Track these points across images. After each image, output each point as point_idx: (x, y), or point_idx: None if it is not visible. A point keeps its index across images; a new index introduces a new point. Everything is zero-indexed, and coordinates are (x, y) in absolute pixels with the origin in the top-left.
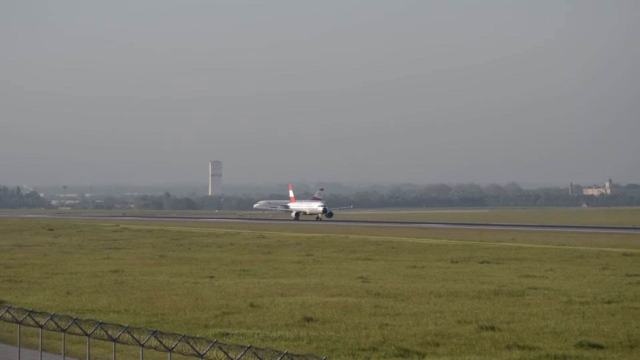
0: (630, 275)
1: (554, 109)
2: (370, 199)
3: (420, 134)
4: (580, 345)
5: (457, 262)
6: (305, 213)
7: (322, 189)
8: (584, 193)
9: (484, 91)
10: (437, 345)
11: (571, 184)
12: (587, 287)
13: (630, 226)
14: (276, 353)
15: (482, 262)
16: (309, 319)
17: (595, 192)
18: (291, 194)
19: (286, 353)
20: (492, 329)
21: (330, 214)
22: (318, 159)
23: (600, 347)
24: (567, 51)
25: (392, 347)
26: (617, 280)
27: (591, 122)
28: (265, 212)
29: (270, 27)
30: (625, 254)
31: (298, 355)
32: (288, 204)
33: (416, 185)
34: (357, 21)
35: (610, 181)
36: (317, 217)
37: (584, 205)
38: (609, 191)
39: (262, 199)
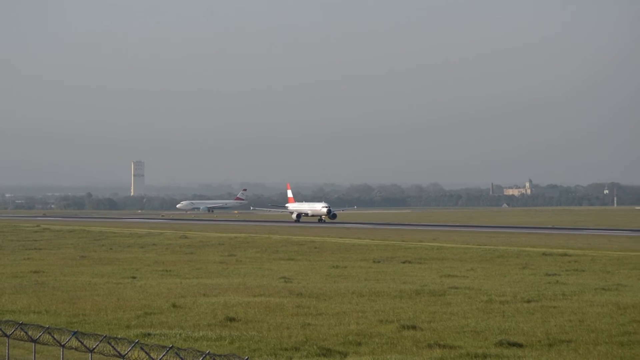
0: (549, 275)
1: (475, 112)
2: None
3: (343, 135)
4: (500, 343)
5: (379, 262)
6: (307, 215)
7: (245, 190)
8: (505, 193)
9: (408, 95)
10: (359, 344)
11: (492, 184)
12: (507, 287)
13: (549, 226)
14: (198, 353)
15: (404, 262)
16: (231, 319)
17: (515, 192)
18: (289, 194)
19: (208, 353)
20: (414, 328)
21: (334, 216)
22: (242, 159)
23: (520, 345)
24: (484, 58)
25: (314, 347)
26: (537, 279)
27: (511, 124)
28: (188, 212)
29: (185, 25)
30: (544, 254)
31: (220, 355)
32: (287, 205)
33: (339, 186)
34: (268, 22)
35: (530, 181)
36: (320, 219)
37: (505, 205)
38: (529, 191)
39: (185, 200)
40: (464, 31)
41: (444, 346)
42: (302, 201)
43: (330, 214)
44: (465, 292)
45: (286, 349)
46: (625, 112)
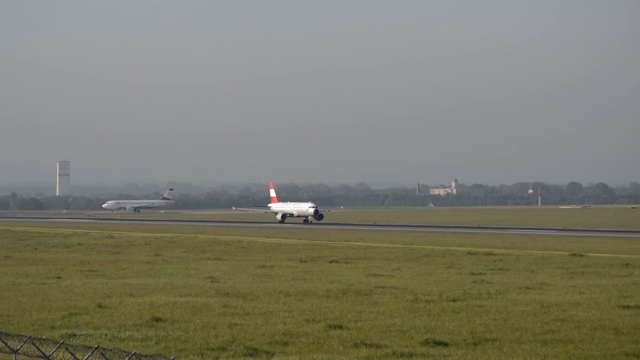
0: (474, 274)
1: (402, 114)
2: (220, 199)
3: (271, 135)
4: (426, 342)
5: (306, 261)
6: (292, 215)
7: (171, 189)
8: (431, 193)
9: (334, 96)
10: (286, 344)
11: (418, 184)
12: (433, 286)
13: (474, 225)
14: (124, 353)
15: (330, 262)
16: (157, 319)
17: (441, 192)
18: (272, 193)
19: (134, 353)
20: (340, 327)
21: (321, 216)
22: (168, 159)
23: (445, 344)
24: (414, 61)
25: (241, 347)
26: (462, 278)
27: (436, 125)
28: (114, 212)
29: (108, 26)
30: (469, 253)
31: (146, 356)
32: (269, 205)
33: (266, 185)
34: (188, 19)
35: (456, 181)
36: (306, 220)
37: (431, 204)
38: (454, 191)
39: (112, 199)
40: (387, 33)
41: (371, 345)
42: (279, 201)
43: (317, 215)
44: (391, 291)
45: (213, 349)
46: (547, 112)
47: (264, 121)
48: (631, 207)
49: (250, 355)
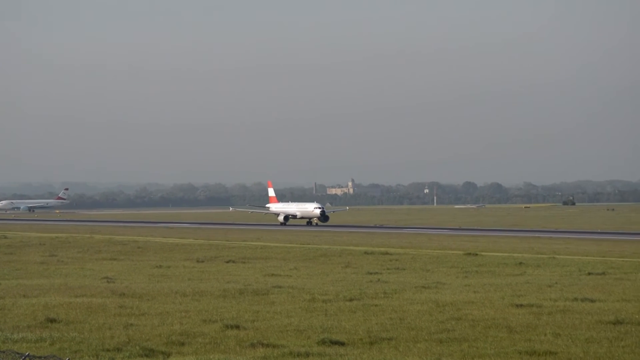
0: (370, 273)
1: (300, 114)
2: (116, 198)
3: (167, 133)
4: (323, 342)
5: (203, 261)
6: (295, 217)
7: (67, 189)
8: (328, 192)
9: (234, 94)
10: (182, 344)
11: (315, 183)
12: (330, 285)
13: (371, 225)
14: (17, 355)
15: (228, 262)
16: (52, 320)
17: (338, 191)
18: (271, 192)
19: (28, 355)
20: (237, 327)
21: (327, 218)
22: (62, 158)
23: (342, 343)
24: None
25: (137, 347)
26: (359, 278)
27: (334, 125)
28: (8, 212)
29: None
30: (366, 252)
31: (40, 357)
32: (268, 205)
33: (163, 185)
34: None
35: (352, 181)
36: (309, 222)
37: (328, 204)
38: (351, 190)
39: (5, 199)
40: (306, 33)
41: (267, 345)
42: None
43: (323, 216)
44: (288, 291)
45: (108, 350)
46: (444, 115)
47: (158, 120)
48: (524, 207)
49: (146, 355)
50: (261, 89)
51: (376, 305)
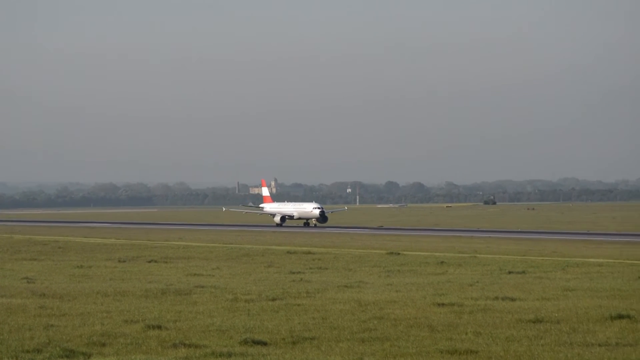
0: (293, 273)
1: (223, 112)
2: (36, 198)
3: (87, 130)
4: (245, 342)
5: (124, 261)
6: (292, 217)
7: None
8: (251, 192)
9: (154, 90)
10: (104, 345)
11: (238, 183)
12: (252, 285)
13: (293, 225)
14: None
15: (150, 261)
16: None
17: (261, 191)
18: (265, 192)
19: None
20: (159, 327)
21: (326, 219)
22: None
23: (264, 343)
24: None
25: (57, 348)
26: (281, 277)
27: (257, 124)
28: None
29: None
30: (289, 252)
31: None
32: (262, 205)
33: (84, 185)
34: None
35: (275, 180)
36: (306, 223)
37: (251, 204)
38: (274, 190)
39: None
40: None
41: (189, 345)
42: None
43: (322, 217)
44: (211, 290)
45: (28, 351)
46: (364, 114)
47: (77, 118)
48: (446, 206)
49: (67, 356)
50: (178, 87)
51: (299, 305)
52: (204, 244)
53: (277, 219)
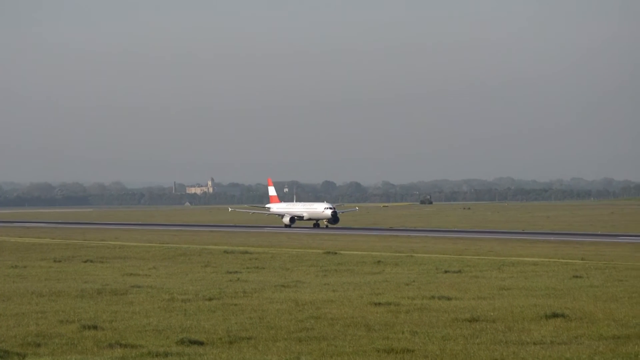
0: (230, 272)
1: (157, 109)
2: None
3: (19, 130)
4: (182, 342)
5: (60, 261)
6: (302, 218)
7: None
8: (188, 192)
9: (83, 86)
10: (39, 345)
11: (175, 182)
12: (189, 285)
13: (231, 224)
14: None
15: (85, 261)
16: None
17: (198, 190)
18: (272, 191)
19: None
20: (95, 327)
21: (337, 220)
22: None
23: (201, 343)
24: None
25: None
26: (218, 277)
27: (194, 123)
28: None
29: None
30: (226, 252)
31: None
32: (268, 205)
33: (19, 184)
34: None
35: (212, 180)
36: (316, 224)
37: (187, 203)
38: (211, 190)
39: None
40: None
41: (125, 345)
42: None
43: (334, 218)
44: (147, 290)
45: None
46: (302, 114)
47: (14, 117)
48: (383, 206)
49: (1, 357)
50: (112, 81)
51: (235, 305)
52: (140, 243)
53: (287, 219)
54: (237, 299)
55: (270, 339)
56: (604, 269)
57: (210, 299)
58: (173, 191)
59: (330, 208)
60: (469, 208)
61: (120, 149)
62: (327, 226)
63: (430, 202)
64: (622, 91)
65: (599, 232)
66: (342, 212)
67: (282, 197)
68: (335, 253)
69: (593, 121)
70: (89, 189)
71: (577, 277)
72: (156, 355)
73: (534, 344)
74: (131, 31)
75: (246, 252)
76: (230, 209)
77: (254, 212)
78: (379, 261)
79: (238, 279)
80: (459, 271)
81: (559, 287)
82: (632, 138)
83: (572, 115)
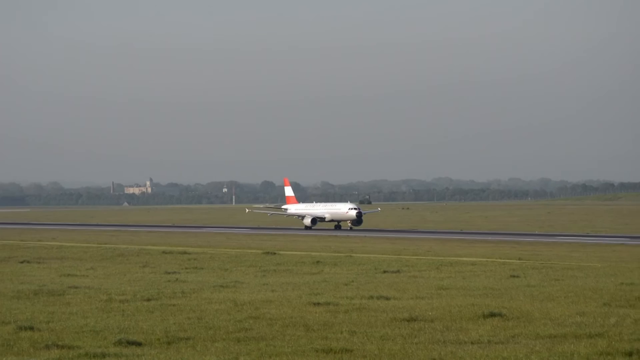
0: (169, 273)
1: (97, 105)
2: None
3: None
4: (120, 342)
5: None
6: (324, 219)
7: None
8: (126, 192)
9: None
10: None
11: (113, 182)
12: (127, 285)
13: (170, 224)
14: None
15: (22, 262)
16: None
17: (136, 190)
18: (289, 191)
19: None
20: (31, 329)
21: (361, 221)
22: None
23: (139, 344)
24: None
25: None
26: (157, 277)
27: (132, 121)
28: None
29: None
30: (164, 252)
31: None
32: (285, 207)
33: None
34: None
35: (151, 180)
36: (337, 225)
37: (126, 204)
38: (149, 190)
39: None
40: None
41: (62, 346)
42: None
43: (359, 220)
44: (85, 291)
45: None
46: (239, 112)
47: None
48: None
49: None
50: (46, 78)
51: (174, 305)
52: (78, 244)
53: (308, 221)
54: (175, 300)
55: (208, 339)
56: (540, 269)
57: (148, 300)
58: (111, 191)
59: (355, 209)
60: (408, 208)
61: (57, 148)
62: (350, 228)
63: (370, 202)
64: (564, 93)
65: (536, 232)
66: (365, 213)
67: (222, 198)
68: (274, 253)
69: (530, 122)
70: (26, 189)
71: (514, 276)
72: (93, 356)
73: (472, 343)
74: (78, 23)
75: (185, 253)
76: (247, 210)
77: (272, 214)
78: (318, 261)
79: (176, 279)
80: (398, 271)
81: (497, 287)
82: (568, 140)
83: (508, 117)
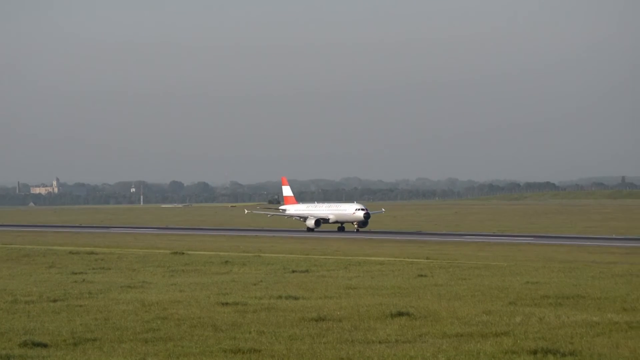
0: (75, 274)
1: (28, 103)
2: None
3: None
4: (25, 344)
5: None
6: (327, 221)
7: None
8: (32, 192)
9: None
10: None
11: (18, 182)
12: (33, 286)
13: (77, 225)
14: None
15: None
16: None
17: (42, 190)
18: (287, 191)
19: None
20: None
21: (367, 223)
22: None
23: (45, 345)
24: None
25: None
26: (63, 278)
27: (36, 119)
28: None
29: None
30: (71, 252)
31: None
32: (283, 207)
33: None
34: None
35: (57, 180)
36: (341, 227)
37: (32, 204)
38: (56, 190)
39: None
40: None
41: None
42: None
43: (366, 221)
44: None
45: None
46: (150, 110)
47: None
48: (231, 206)
49: None
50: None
51: (81, 306)
52: None
53: (311, 222)
54: (82, 300)
55: (115, 340)
56: (447, 268)
57: (54, 301)
58: (17, 191)
59: (363, 209)
60: None
61: None
62: (357, 230)
63: (278, 202)
64: (481, 94)
65: (444, 232)
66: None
67: (130, 198)
68: (183, 253)
69: (437, 125)
70: None
71: (422, 276)
72: None
73: (380, 342)
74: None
75: (92, 253)
76: (246, 211)
77: (272, 215)
78: (226, 261)
79: (83, 279)
80: (306, 271)
81: (404, 286)
82: (476, 141)
83: (414, 118)
